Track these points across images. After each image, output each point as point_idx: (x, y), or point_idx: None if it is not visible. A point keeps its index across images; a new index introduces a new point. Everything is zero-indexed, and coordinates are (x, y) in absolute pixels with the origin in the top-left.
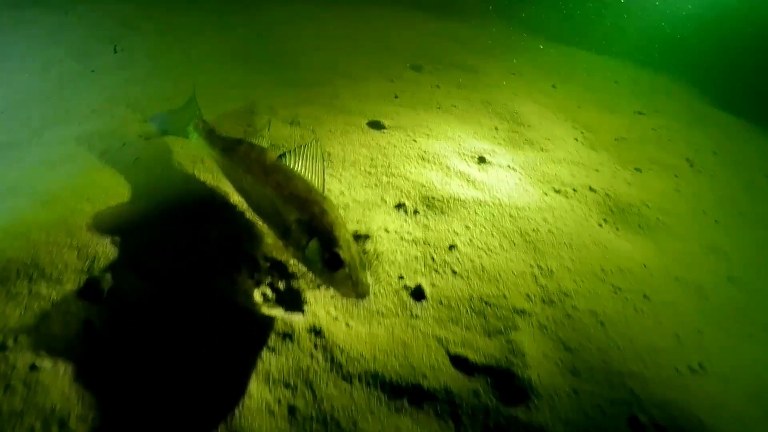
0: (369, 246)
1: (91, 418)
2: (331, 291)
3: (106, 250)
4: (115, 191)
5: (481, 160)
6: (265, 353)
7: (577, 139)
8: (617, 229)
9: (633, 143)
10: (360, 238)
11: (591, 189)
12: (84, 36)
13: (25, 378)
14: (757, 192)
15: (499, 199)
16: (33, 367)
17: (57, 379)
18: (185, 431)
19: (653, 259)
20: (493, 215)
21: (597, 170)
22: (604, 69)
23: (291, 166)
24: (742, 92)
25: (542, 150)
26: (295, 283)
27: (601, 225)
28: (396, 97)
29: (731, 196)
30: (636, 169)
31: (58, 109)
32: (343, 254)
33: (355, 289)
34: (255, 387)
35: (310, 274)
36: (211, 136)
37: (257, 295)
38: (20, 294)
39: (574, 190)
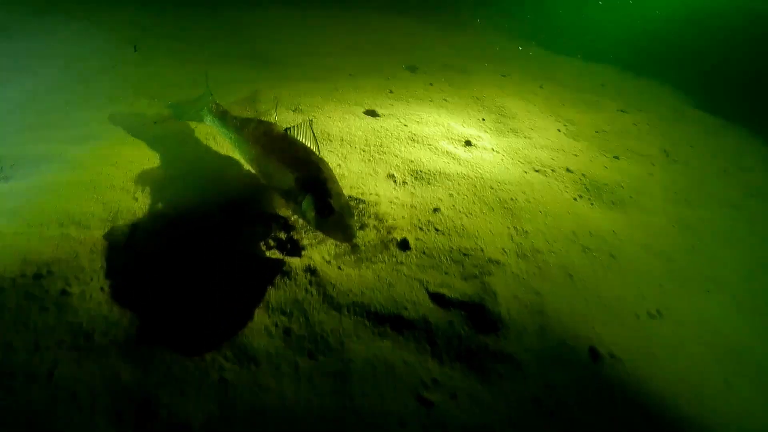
0: (362, 207)
1: (113, 334)
2: (324, 237)
3: (128, 204)
4: (137, 160)
5: (467, 143)
6: (266, 287)
7: (559, 130)
8: (591, 204)
9: (613, 135)
10: (354, 200)
11: (568, 170)
12: (105, 38)
13: (56, 300)
14: (729, 179)
15: (481, 174)
16: (63, 292)
17: (84, 302)
18: (194, 346)
19: (623, 228)
20: (475, 186)
21: (576, 155)
22: (591, 73)
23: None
24: (724, 93)
25: (525, 137)
26: (295, 234)
27: (575, 199)
28: (391, 92)
29: (703, 181)
30: (614, 156)
31: (83, 96)
32: (334, 203)
33: (344, 233)
34: (256, 313)
35: (308, 227)
36: (224, 116)
37: (261, 243)
38: (53, 236)
39: (553, 170)
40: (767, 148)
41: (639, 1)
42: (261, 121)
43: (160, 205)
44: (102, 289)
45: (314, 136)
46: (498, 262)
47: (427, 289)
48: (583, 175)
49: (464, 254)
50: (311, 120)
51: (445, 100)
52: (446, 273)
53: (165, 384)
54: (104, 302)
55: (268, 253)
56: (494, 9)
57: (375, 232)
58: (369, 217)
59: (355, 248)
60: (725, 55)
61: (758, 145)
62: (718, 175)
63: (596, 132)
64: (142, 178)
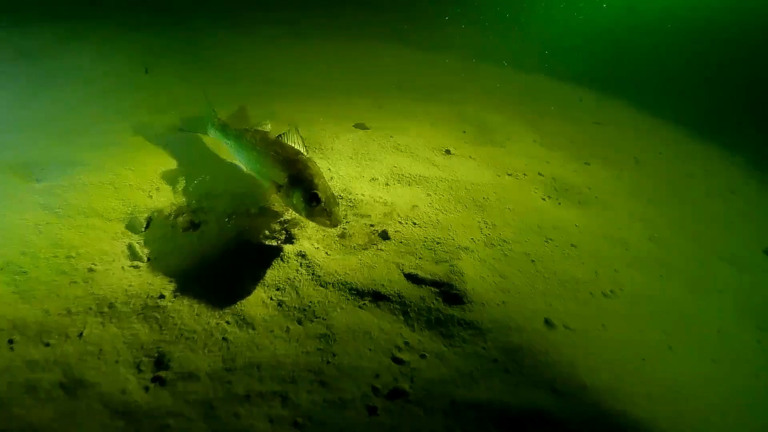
0: (349, 204)
1: (132, 303)
2: (314, 225)
3: (144, 201)
4: (151, 164)
5: (447, 151)
6: (263, 268)
7: (535, 141)
8: (559, 203)
9: (586, 145)
10: (341, 198)
11: (540, 174)
12: (120, 61)
13: (84, 276)
14: (693, 182)
15: (457, 177)
16: (90, 270)
17: (107, 278)
18: (201, 313)
19: (585, 223)
20: (451, 187)
21: (548, 162)
22: (571, 91)
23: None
24: (697, 107)
25: (502, 147)
26: (288, 226)
27: (544, 199)
28: (380, 107)
29: (668, 183)
30: (585, 163)
31: (102, 109)
32: (321, 195)
33: (330, 219)
34: (254, 288)
35: (300, 218)
36: (225, 128)
37: (259, 233)
38: (80, 225)
39: (525, 174)
40: (734, 156)
41: (614, 23)
42: (257, 130)
43: (171, 202)
44: (122, 268)
45: (302, 141)
46: (467, 249)
47: (402, 271)
48: (553, 178)
49: (437, 243)
50: (297, 127)
51: (429, 114)
52: (420, 258)
53: (176, 342)
54: (124, 278)
55: (265, 241)
56: (482, 36)
57: (359, 225)
58: (355, 212)
59: (342, 234)
60: (699, 71)
61: (725, 153)
62: (683, 178)
63: (570, 142)
64: (156, 180)
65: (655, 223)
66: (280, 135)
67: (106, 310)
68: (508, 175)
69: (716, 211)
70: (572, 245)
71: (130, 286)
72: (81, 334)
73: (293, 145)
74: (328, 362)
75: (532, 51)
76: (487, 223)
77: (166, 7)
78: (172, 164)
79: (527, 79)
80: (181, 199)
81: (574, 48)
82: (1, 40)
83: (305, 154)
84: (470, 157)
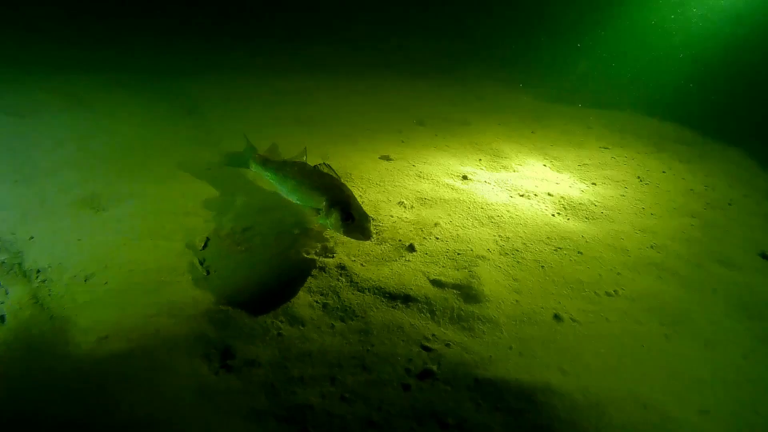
0: (379, 223)
1: (199, 307)
2: (350, 240)
3: (200, 225)
4: (203, 194)
5: (464, 177)
6: (308, 278)
7: (545, 165)
8: (567, 219)
9: (593, 167)
10: (372, 219)
11: (549, 194)
12: (167, 106)
13: (156, 287)
14: (694, 196)
15: (474, 199)
16: (160, 282)
17: (176, 287)
18: (258, 314)
19: (591, 234)
20: (469, 208)
21: (557, 183)
22: (581, 118)
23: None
24: (704, 123)
25: (514, 171)
26: (327, 244)
27: (553, 215)
28: (402, 141)
29: (670, 198)
30: (592, 183)
31: (156, 147)
32: (354, 213)
33: (363, 234)
34: (301, 294)
35: (337, 236)
36: (266, 162)
37: (302, 250)
38: (148, 246)
39: (535, 194)
40: (735, 170)
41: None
42: (295, 162)
43: (224, 225)
44: (187, 280)
45: (334, 171)
46: (484, 258)
47: (428, 277)
48: (562, 197)
49: (457, 253)
50: (327, 162)
51: (448, 146)
52: (443, 266)
53: (239, 338)
54: (190, 288)
55: (308, 256)
56: (507, 72)
57: (389, 241)
58: (384, 230)
59: (374, 248)
60: (706, 93)
61: (728, 168)
62: (684, 193)
63: (578, 165)
64: (208, 207)
65: (655, 233)
66: (315, 166)
67: (177, 312)
68: (521, 196)
69: (715, 220)
70: (579, 252)
71: (195, 293)
72: (158, 332)
73: (327, 171)
74: (368, 350)
75: (544, 81)
76: (501, 237)
77: (200, 55)
78: (221, 194)
79: (539, 108)
80: (232, 222)
81: (582, 73)
82: (50, 89)
83: (339, 177)
84: (485, 181)
